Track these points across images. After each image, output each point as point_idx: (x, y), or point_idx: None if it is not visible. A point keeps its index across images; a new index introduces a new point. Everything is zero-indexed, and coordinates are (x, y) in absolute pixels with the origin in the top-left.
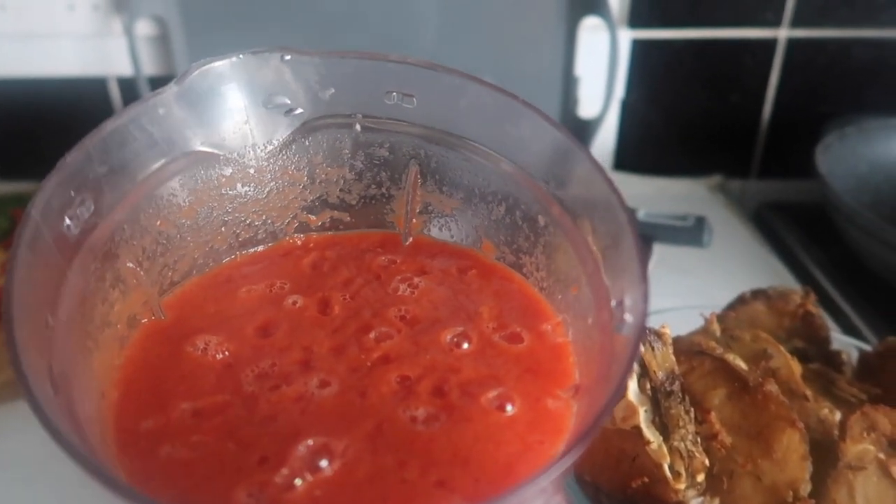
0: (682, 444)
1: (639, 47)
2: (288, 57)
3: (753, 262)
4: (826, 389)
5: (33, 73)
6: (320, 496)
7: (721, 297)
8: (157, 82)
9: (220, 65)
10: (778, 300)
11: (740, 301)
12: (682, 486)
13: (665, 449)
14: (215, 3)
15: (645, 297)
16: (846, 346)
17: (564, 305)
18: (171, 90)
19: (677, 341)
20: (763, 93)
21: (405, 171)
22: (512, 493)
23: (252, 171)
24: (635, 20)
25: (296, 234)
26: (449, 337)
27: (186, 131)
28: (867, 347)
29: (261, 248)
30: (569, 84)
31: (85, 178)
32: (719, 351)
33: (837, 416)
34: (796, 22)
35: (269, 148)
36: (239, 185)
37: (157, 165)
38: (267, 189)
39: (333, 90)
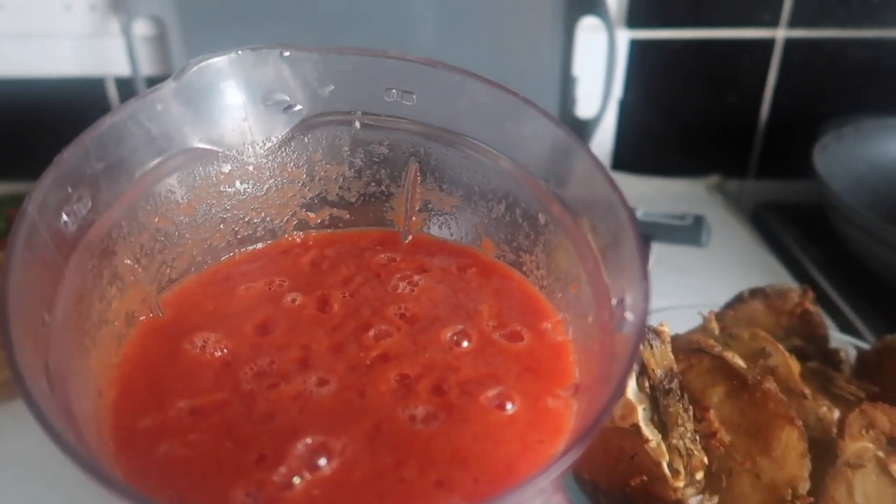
0: (681, 442)
1: (637, 47)
2: (287, 53)
3: (751, 261)
4: (824, 388)
5: (31, 73)
6: (318, 495)
7: (719, 297)
8: (155, 82)
9: (219, 61)
10: (776, 299)
11: (738, 300)
12: (680, 484)
13: (664, 447)
14: (213, 4)
15: (646, 296)
16: (844, 344)
17: (564, 304)
18: (169, 86)
19: (676, 339)
20: (761, 93)
21: (405, 168)
22: (511, 493)
23: (251, 168)
24: (633, 20)
25: (295, 232)
26: (448, 335)
27: (185, 128)
28: (865, 346)
29: (260, 245)
30: (567, 84)
31: (82, 175)
32: (718, 349)
33: (836, 414)
34: (794, 22)
35: (268, 145)
36: (237, 183)
37: (155, 162)
38: (266, 186)
39: (333, 87)
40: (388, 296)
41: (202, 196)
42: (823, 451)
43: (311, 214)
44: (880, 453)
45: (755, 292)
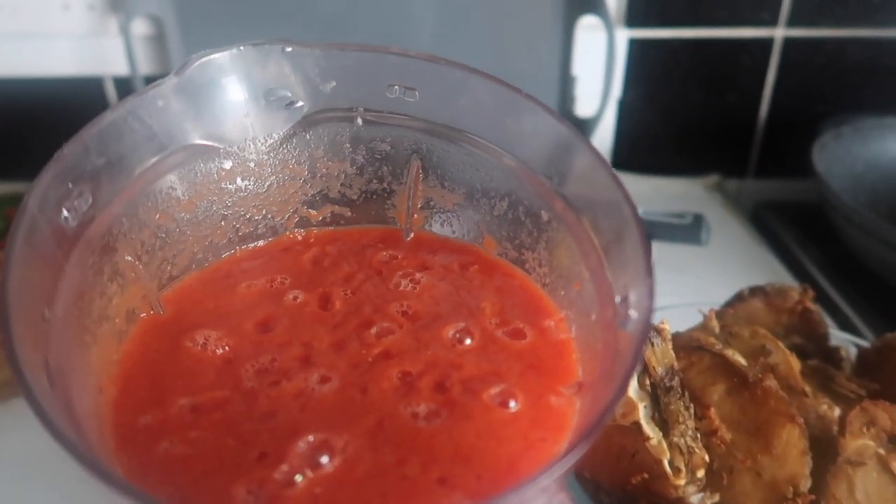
0: (682, 440)
1: (636, 46)
2: (289, 49)
3: (751, 260)
4: (825, 385)
5: (29, 72)
6: (320, 493)
7: (719, 295)
8: (154, 81)
9: (220, 57)
10: (776, 297)
11: (738, 298)
12: (681, 481)
13: (665, 445)
14: (212, 3)
15: (650, 293)
16: (844, 342)
17: (567, 302)
18: (170, 82)
19: (676, 338)
20: (760, 92)
21: (406, 165)
22: (514, 492)
23: (252, 164)
24: (632, 19)
25: (296, 229)
26: (451, 333)
27: (185, 124)
28: (865, 344)
29: (261, 242)
30: (566, 83)
31: (83, 171)
32: (718, 346)
33: (836, 411)
34: (792, 21)
35: (270, 141)
36: (239, 179)
37: (155, 158)
38: (267, 183)
39: (334, 83)
40: (389, 293)
41: (203, 193)
42: (824, 448)
43: (313, 211)
44: (881, 451)
45: (755, 291)
